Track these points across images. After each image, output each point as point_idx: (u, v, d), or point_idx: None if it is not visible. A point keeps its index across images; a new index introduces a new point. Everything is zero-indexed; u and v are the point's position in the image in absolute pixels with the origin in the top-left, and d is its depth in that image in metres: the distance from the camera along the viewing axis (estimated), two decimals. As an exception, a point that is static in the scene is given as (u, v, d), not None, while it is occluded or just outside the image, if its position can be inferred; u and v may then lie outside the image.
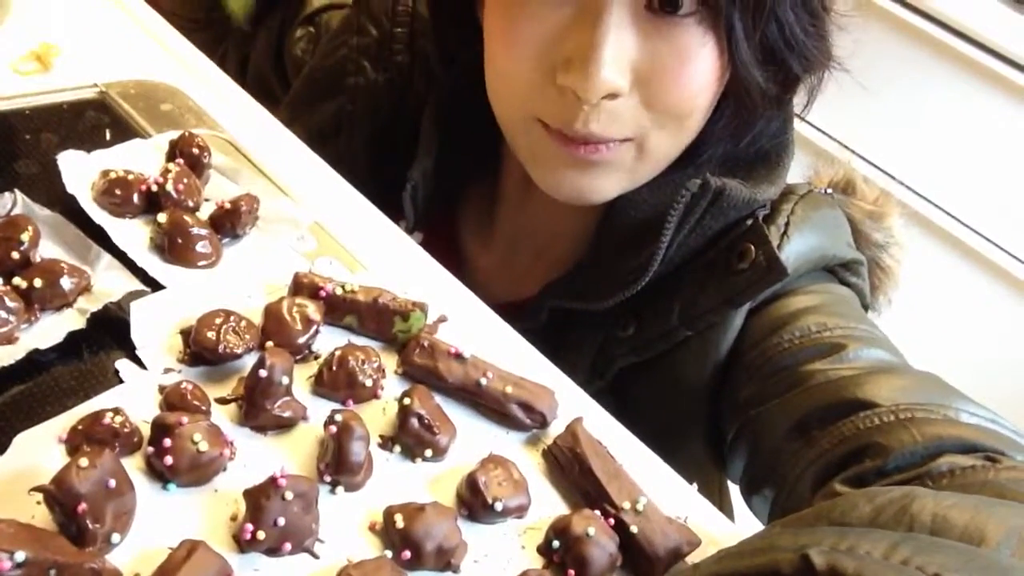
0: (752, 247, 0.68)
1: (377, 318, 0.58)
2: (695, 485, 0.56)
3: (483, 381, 0.55)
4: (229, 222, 0.62)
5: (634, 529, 0.50)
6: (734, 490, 0.77)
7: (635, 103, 0.65)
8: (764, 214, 0.71)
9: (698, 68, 0.64)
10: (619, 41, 0.62)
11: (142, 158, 0.67)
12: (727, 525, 0.54)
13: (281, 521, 0.45)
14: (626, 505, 0.51)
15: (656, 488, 0.53)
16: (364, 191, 0.72)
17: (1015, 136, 1.49)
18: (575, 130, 0.65)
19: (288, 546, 0.45)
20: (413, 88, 0.84)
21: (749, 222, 0.70)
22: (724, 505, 0.81)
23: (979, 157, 1.53)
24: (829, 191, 0.80)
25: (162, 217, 0.60)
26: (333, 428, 0.49)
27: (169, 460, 0.46)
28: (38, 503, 0.44)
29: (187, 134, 0.66)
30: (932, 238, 1.59)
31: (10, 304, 0.53)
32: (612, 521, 0.50)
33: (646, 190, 0.72)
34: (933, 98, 1.56)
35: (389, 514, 0.47)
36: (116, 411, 0.48)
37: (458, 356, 0.56)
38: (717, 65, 0.65)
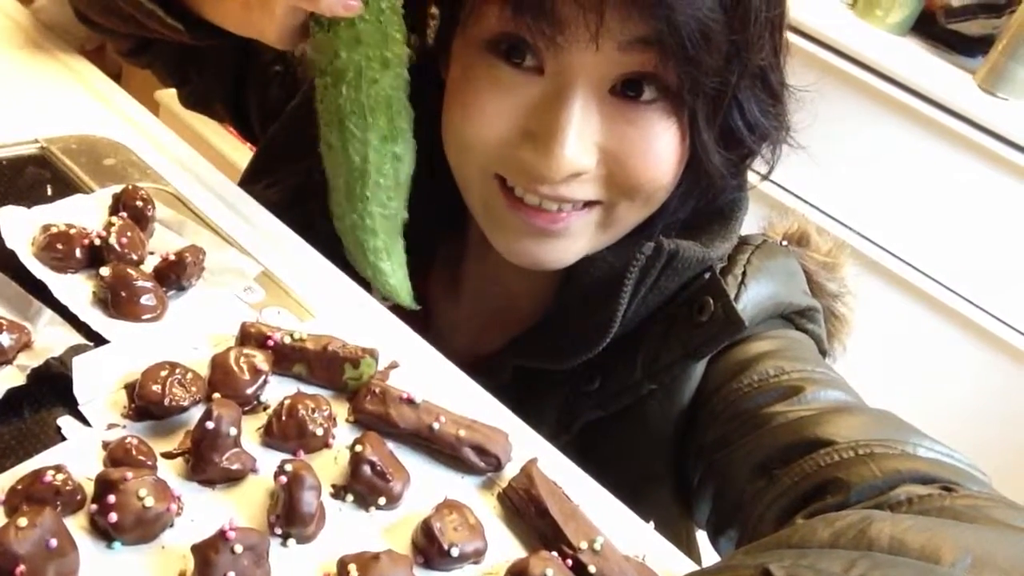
0: (711, 300, 0.69)
1: (327, 366, 0.57)
2: (651, 523, 0.55)
3: (436, 425, 0.55)
4: (174, 274, 0.61)
5: (592, 569, 0.49)
6: (703, 541, 0.77)
7: (602, 175, 0.66)
8: (721, 266, 0.72)
9: (662, 150, 0.65)
10: (584, 122, 0.63)
11: (85, 213, 0.66)
12: (685, 562, 0.54)
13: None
14: (583, 545, 0.50)
15: (613, 527, 0.53)
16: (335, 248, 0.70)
17: (964, 182, 1.54)
18: (541, 192, 0.65)
19: (239, 601, 0.44)
20: None
21: (707, 275, 0.71)
22: (692, 553, 0.81)
23: (929, 203, 1.58)
24: (784, 243, 0.81)
25: (105, 271, 0.59)
26: (283, 478, 0.48)
27: (114, 517, 0.45)
28: (-26, 568, 0.42)
29: (130, 187, 0.66)
30: (882, 281, 1.63)
31: (-54, 363, 0.51)
32: (570, 562, 0.50)
33: (605, 250, 0.72)
34: (880, 147, 1.61)
35: (343, 565, 0.46)
36: (58, 468, 0.47)
37: (410, 401, 0.56)
38: (680, 148, 0.66)
